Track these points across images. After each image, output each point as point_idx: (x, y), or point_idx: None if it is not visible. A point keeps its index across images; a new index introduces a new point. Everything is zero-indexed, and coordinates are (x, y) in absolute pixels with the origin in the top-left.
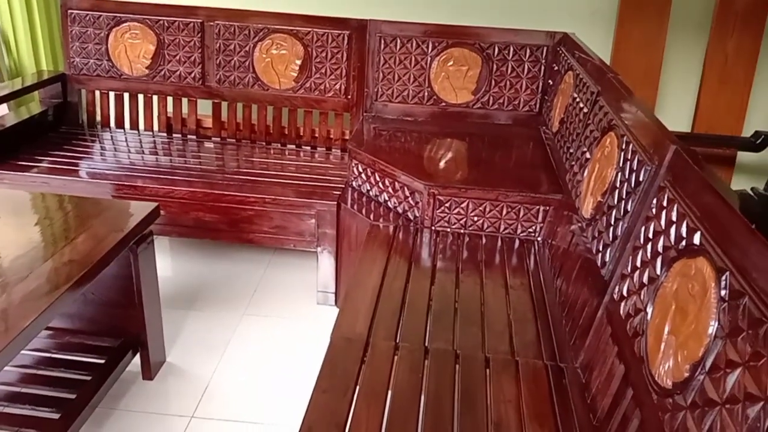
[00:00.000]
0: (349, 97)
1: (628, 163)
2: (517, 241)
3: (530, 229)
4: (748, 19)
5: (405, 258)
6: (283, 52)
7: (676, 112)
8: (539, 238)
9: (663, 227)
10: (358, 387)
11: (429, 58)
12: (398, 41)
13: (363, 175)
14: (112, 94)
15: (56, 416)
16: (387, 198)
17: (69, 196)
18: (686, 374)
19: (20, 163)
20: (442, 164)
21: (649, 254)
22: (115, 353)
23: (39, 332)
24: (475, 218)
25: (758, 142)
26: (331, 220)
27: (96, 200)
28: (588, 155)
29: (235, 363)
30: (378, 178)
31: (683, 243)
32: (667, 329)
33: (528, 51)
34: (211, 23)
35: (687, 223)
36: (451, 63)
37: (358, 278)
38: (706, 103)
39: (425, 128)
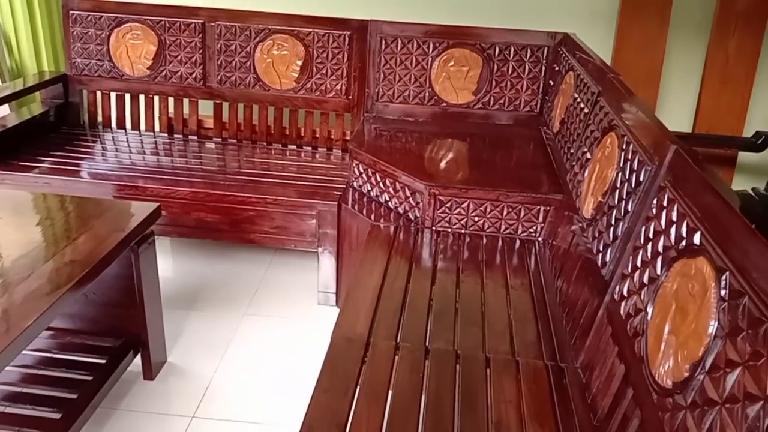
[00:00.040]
0: (350, 97)
1: (629, 163)
2: (518, 242)
3: (531, 230)
4: (749, 19)
5: (406, 258)
6: (284, 53)
7: (677, 112)
8: (540, 239)
9: (663, 227)
10: (358, 387)
11: (430, 59)
12: (399, 42)
13: (364, 176)
14: (113, 95)
15: (57, 416)
16: (388, 198)
17: (70, 197)
18: (686, 374)
19: (22, 163)
20: (442, 165)
21: (649, 254)
22: (116, 353)
23: (40, 332)
24: (476, 218)
25: (759, 142)
26: (332, 221)
27: (97, 200)
28: (588, 155)
29: (236, 363)
30: (379, 179)
31: (683, 243)
32: (667, 329)
33: (529, 51)
34: (213, 24)
35: (687, 223)
36: (451, 63)
37: (358, 278)
38: (706, 104)
39: (426, 128)
